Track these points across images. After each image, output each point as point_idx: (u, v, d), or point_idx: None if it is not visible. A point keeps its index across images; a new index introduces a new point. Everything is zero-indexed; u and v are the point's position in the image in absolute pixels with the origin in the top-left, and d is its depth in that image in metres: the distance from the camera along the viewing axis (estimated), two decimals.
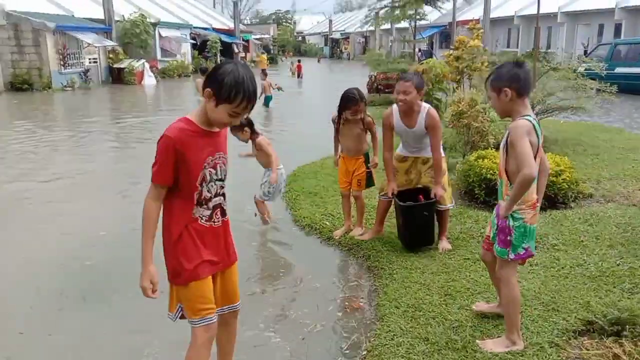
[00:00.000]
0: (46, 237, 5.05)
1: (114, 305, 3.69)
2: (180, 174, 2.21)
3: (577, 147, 8.27)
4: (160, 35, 27.93)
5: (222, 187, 2.37)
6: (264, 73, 15.63)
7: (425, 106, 4.30)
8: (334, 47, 64.29)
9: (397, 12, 15.07)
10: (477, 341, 3.00)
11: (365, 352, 3.06)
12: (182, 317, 2.35)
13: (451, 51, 10.76)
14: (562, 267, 3.90)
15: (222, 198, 2.37)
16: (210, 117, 2.19)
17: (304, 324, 3.46)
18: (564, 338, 3.02)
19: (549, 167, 3.03)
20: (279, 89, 15.84)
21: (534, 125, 2.66)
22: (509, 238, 2.79)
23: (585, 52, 20.79)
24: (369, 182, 4.84)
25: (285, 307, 3.71)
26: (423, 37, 28.15)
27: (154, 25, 26.85)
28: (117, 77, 23.75)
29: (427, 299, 3.53)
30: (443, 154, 4.38)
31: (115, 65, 23.84)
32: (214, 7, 54.18)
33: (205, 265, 2.29)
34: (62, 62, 20.93)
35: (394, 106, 4.32)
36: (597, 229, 4.63)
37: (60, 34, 20.73)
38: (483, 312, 3.30)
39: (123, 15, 25.27)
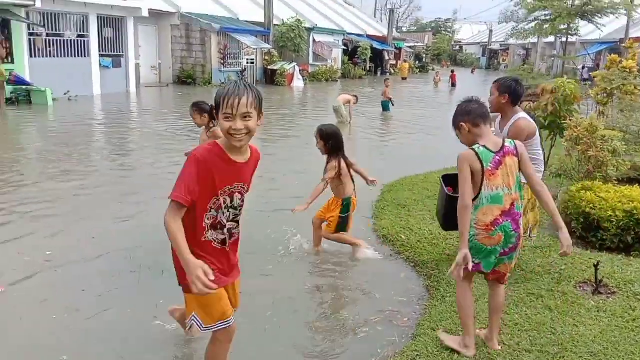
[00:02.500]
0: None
1: None
2: (199, 194, 2.32)
3: None
4: (314, 40, 29.27)
5: (237, 215, 2.50)
6: (385, 83, 16.38)
7: (519, 115, 4.22)
8: (492, 58, 61.79)
9: (547, 26, 14.13)
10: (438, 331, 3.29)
11: None
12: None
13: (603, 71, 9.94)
14: (634, 320, 3.54)
15: (235, 224, 2.52)
16: (222, 134, 2.34)
17: (344, 329, 3.59)
18: None
19: (541, 189, 3.08)
20: (390, 99, 16.35)
21: (476, 153, 2.93)
22: None
23: None
24: (340, 227, 4.70)
25: (332, 307, 3.85)
26: (588, 54, 25.98)
27: (309, 30, 28.21)
28: (270, 78, 25.40)
29: None
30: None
31: (269, 67, 25.50)
32: (375, 15, 55.14)
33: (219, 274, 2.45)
34: (222, 61, 22.95)
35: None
36: None
37: (224, 35, 22.73)
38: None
39: (282, 20, 26.91)
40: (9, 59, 14.47)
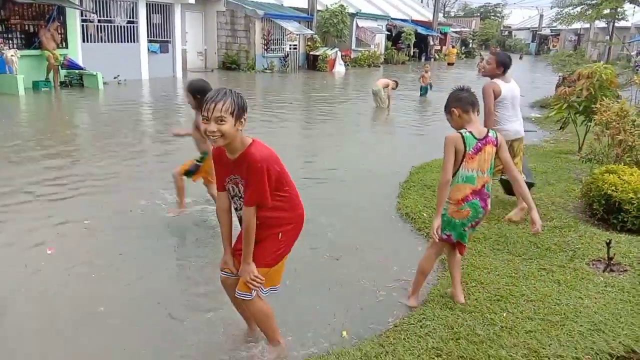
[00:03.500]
0: None
1: None
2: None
3: None
4: (357, 26, 29.25)
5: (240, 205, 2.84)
6: (424, 68, 16.62)
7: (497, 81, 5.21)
8: (542, 44, 59.97)
9: (590, 11, 13.77)
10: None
11: (392, 326, 3.37)
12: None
13: None
14: None
15: (241, 213, 2.87)
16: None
17: (363, 293, 3.87)
18: (594, 358, 2.97)
19: (517, 175, 3.45)
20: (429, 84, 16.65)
21: (463, 136, 3.31)
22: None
23: None
24: (188, 172, 5.04)
25: (352, 276, 4.13)
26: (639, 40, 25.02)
27: (353, 15, 28.22)
28: (311, 63, 25.63)
29: (475, 296, 3.66)
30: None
31: (312, 53, 25.71)
32: (421, 0, 54.31)
33: None
34: (265, 47, 23.31)
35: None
36: None
37: (267, 21, 23.06)
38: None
39: (326, 5, 27.02)
40: (64, 44, 15.24)
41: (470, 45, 48.02)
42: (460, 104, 3.41)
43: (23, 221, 5.00)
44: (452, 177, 3.33)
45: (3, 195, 5.67)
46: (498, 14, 72.72)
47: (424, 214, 5.34)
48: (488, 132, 3.40)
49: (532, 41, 62.67)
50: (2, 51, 13.49)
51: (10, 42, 14.20)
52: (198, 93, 4.49)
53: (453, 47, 39.78)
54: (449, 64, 34.74)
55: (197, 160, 4.99)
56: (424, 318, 3.38)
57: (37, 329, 3.32)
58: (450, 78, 25.06)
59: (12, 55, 13.41)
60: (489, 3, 72.69)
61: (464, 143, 3.30)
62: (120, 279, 4.00)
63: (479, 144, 3.33)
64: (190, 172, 5.05)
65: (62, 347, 3.16)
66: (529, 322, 3.33)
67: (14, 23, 14.27)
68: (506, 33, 70.89)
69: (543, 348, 3.06)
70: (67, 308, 3.56)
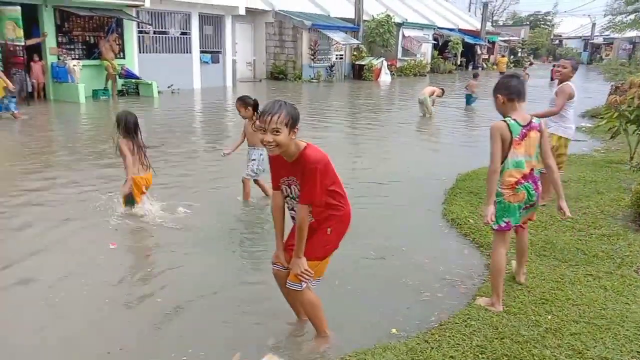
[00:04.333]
0: None
1: None
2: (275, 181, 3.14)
3: None
4: (403, 35, 29.34)
5: (293, 206, 3.05)
6: (474, 76, 16.65)
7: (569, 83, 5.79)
8: (594, 53, 58.25)
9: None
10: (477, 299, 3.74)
11: (436, 325, 3.48)
12: None
13: None
14: None
15: (294, 212, 3.08)
16: None
17: (408, 292, 4.00)
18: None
19: (552, 163, 3.62)
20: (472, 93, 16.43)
21: (508, 124, 3.44)
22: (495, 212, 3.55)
23: None
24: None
25: (398, 275, 4.26)
26: None
27: (399, 25, 28.32)
28: (357, 73, 25.86)
29: (520, 299, 3.73)
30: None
31: (357, 62, 25.96)
32: (469, 9, 53.86)
33: None
34: (312, 57, 23.70)
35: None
36: None
37: (314, 31, 23.46)
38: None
39: (372, 15, 27.25)
40: (121, 54, 16.00)
41: (519, 54, 47.16)
42: (506, 91, 3.53)
43: (87, 217, 5.38)
44: (502, 164, 3.47)
45: (76, 193, 6.09)
46: (548, 23, 71.19)
47: (470, 220, 5.42)
48: (532, 118, 3.54)
49: (584, 50, 60.94)
50: (65, 61, 14.29)
51: (72, 52, 15.02)
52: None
53: (503, 56, 39.23)
54: (500, 72, 34.24)
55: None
56: (468, 318, 3.48)
57: (105, 317, 3.60)
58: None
59: (74, 65, 14.21)
60: (539, 11, 71.30)
61: (510, 130, 3.44)
62: (178, 272, 4.27)
63: (524, 130, 3.48)
64: (130, 202, 5.46)
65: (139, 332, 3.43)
66: (574, 325, 3.38)
67: (76, 35, 15.11)
68: (556, 42, 69.25)
69: (588, 350, 3.11)
70: (124, 297, 3.84)
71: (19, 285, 3.97)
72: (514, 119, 3.48)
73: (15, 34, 13.19)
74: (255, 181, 5.97)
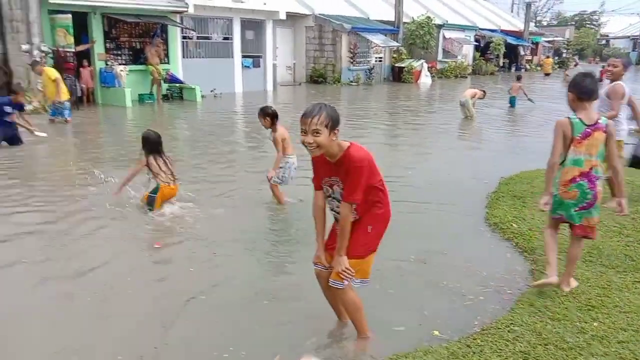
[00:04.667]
0: None
1: None
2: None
3: None
4: (444, 37, 29.05)
5: (339, 207, 3.05)
6: (518, 78, 16.44)
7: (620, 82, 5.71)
8: None
9: None
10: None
11: (479, 330, 3.46)
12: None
13: None
14: None
15: (337, 213, 3.12)
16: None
17: (451, 296, 3.98)
18: None
19: (617, 166, 3.72)
20: (530, 100, 16.05)
21: (571, 122, 3.58)
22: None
23: None
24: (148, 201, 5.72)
25: (441, 279, 4.24)
26: None
27: (439, 27, 28.06)
28: (397, 75, 25.74)
29: (565, 305, 3.67)
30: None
31: (397, 65, 25.84)
32: (512, 9, 52.84)
33: None
34: (351, 60, 23.73)
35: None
36: None
37: (354, 34, 23.48)
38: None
39: (412, 17, 27.08)
40: (166, 59, 16.42)
41: (564, 55, 45.95)
42: (577, 90, 3.62)
43: (134, 218, 5.57)
44: (563, 159, 3.60)
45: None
46: (594, 22, 69.16)
47: (514, 225, 5.34)
48: (599, 118, 3.60)
49: (633, 50, 58.87)
50: (113, 67, 14.78)
51: (119, 58, 15.51)
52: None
53: (547, 57, 38.33)
54: (545, 74, 33.53)
55: (151, 192, 5.70)
56: (511, 323, 3.44)
57: (147, 312, 3.74)
58: (547, 87, 24.22)
59: (121, 70, 14.68)
60: (585, 11, 69.38)
61: (572, 128, 3.56)
62: (219, 273, 4.38)
63: (588, 130, 3.55)
64: (150, 204, 5.69)
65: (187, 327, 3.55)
66: (621, 333, 3.31)
67: (122, 41, 15.60)
68: (603, 42, 67.16)
69: (637, 358, 3.04)
70: (168, 295, 3.96)
71: (72, 280, 4.16)
72: (579, 118, 3.58)
73: (66, 41, 13.77)
74: (272, 187, 6.01)
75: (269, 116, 5.71)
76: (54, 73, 11.31)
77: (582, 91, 3.60)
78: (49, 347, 3.30)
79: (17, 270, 4.36)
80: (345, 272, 3.06)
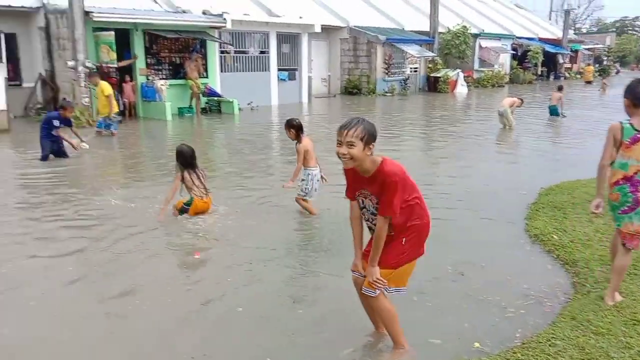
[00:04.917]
0: None
1: None
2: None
3: None
4: (480, 46, 28.78)
5: (372, 219, 3.12)
6: (559, 88, 16.08)
7: None
8: None
9: None
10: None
11: (520, 343, 3.42)
12: None
13: None
14: None
15: (370, 223, 3.17)
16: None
17: (492, 308, 3.95)
18: None
19: None
20: (562, 115, 15.56)
21: (622, 127, 3.62)
22: None
23: None
24: (181, 209, 5.99)
25: (481, 291, 4.21)
26: None
27: (475, 36, 27.81)
28: (432, 85, 25.60)
29: (609, 319, 3.58)
30: None
31: (433, 75, 25.71)
32: (550, 17, 51.95)
33: None
34: (386, 71, 23.75)
35: None
36: None
37: (388, 45, 23.51)
38: None
39: (448, 27, 26.94)
40: (205, 73, 16.79)
41: (605, 63, 44.83)
42: (630, 95, 3.68)
43: (177, 228, 5.72)
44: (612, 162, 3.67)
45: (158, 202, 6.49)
46: (637, 28, 67.30)
47: (555, 236, 5.25)
48: None
49: None
50: (154, 81, 15.21)
51: (160, 73, 15.95)
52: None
53: (588, 65, 37.50)
54: (586, 82, 32.80)
55: (185, 204, 5.92)
56: (553, 337, 3.39)
57: (185, 323, 3.83)
58: (587, 95, 23.69)
59: (161, 85, 15.09)
60: (627, 17, 67.61)
61: (622, 132, 3.62)
62: (255, 283, 4.45)
63: (638, 135, 3.58)
64: (182, 211, 5.95)
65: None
66: None
67: (163, 56, 16.04)
68: None
69: None
70: (207, 305, 4.05)
71: (118, 296, 4.30)
72: (630, 123, 3.63)
73: (109, 57, 14.26)
74: (298, 200, 6.09)
75: (294, 128, 5.86)
76: (108, 89, 11.70)
77: (637, 97, 3.63)
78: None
79: (75, 288, 4.51)
80: (376, 282, 3.10)
